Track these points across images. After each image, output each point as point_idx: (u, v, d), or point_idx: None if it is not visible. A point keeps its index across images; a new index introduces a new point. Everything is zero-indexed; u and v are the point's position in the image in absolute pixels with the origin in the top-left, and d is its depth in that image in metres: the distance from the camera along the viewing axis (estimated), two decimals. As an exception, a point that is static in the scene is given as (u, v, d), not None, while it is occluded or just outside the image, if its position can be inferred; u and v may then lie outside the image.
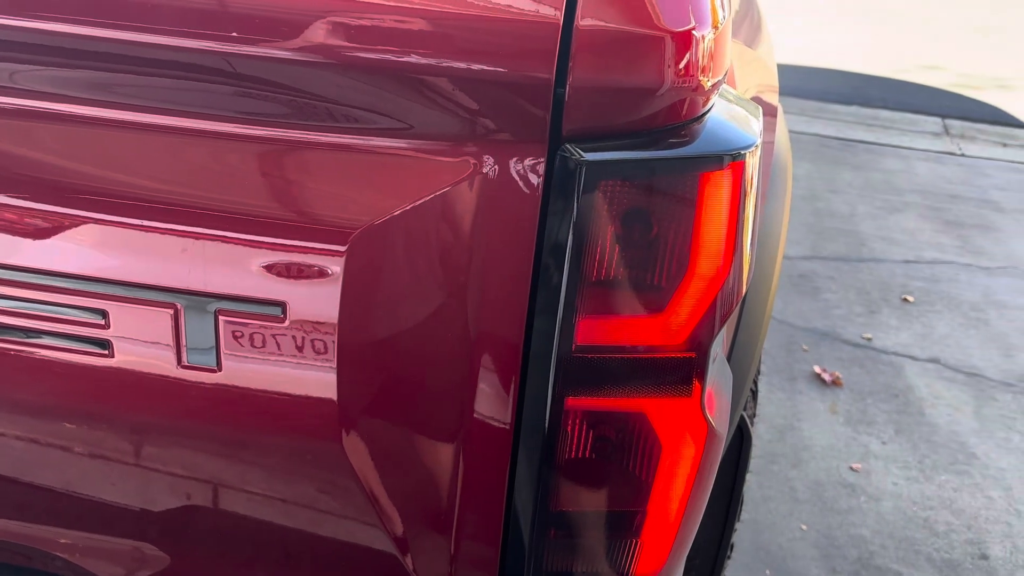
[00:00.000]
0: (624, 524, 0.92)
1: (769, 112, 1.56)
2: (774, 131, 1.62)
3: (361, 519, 0.93)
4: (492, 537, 0.93)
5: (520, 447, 0.88)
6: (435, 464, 0.90)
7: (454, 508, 0.92)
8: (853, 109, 6.71)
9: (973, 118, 6.77)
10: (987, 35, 9.68)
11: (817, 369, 3.38)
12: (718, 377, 0.92)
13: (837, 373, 3.37)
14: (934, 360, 3.53)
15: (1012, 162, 5.95)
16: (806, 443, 3.00)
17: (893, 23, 9.91)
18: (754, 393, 1.94)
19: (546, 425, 0.86)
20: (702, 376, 0.85)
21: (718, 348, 0.89)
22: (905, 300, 3.98)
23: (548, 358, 0.83)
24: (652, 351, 0.83)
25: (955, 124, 6.59)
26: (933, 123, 6.57)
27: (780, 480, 2.83)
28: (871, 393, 3.29)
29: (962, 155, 5.99)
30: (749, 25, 1.53)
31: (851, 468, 2.89)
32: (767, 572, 2.46)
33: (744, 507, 2.69)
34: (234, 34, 0.77)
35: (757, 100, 1.36)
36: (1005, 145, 6.25)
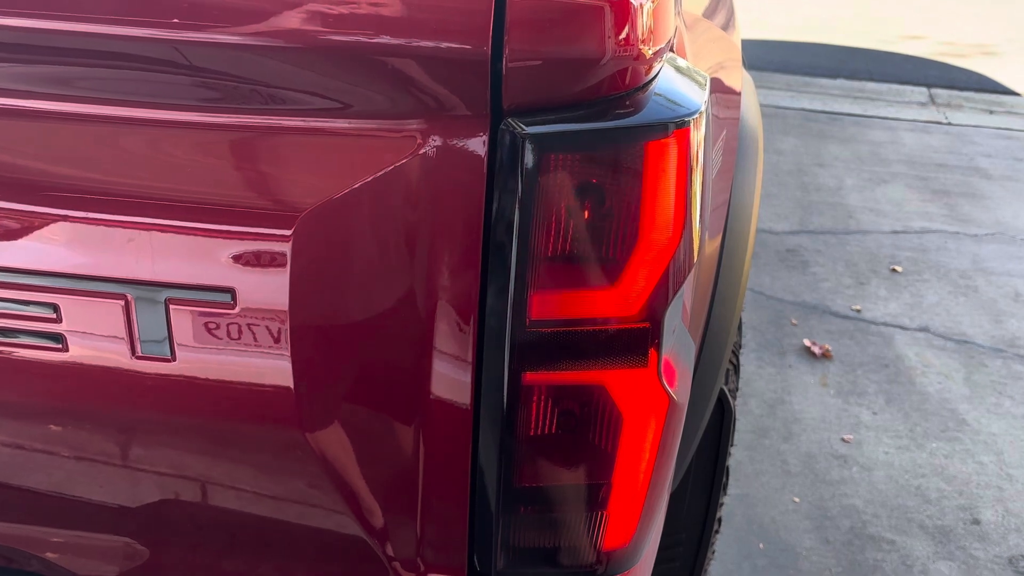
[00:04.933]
0: (590, 497, 0.92)
1: (731, 87, 1.56)
2: (739, 107, 1.61)
3: (327, 504, 0.93)
4: (459, 516, 0.94)
5: (481, 424, 0.88)
6: (397, 446, 0.90)
7: (419, 489, 0.92)
8: (839, 82, 6.70)
9: (959, 86, 6.76)
10: (970, 2, 9.65)
11: (807, 342, 3.39)
12: (677, 347, 0.92)
13: (827, 346, 3.37)
14: (924, 329, 3.54)
15: (999, 128, 5.94)
16: (797, 416, 3.00)
17: (878, -5, 9.88)
18: (735, 367, 1.94)
19: (505, 401, 0.86)
20: (658, 346, 0.85)
21: (676, 318, 0.89)
22: (894, 270, 3.98)
23: (503, 334, 0.83)
24: (606, 323, 0.83)
25: (941, 93, 6.58)
26: (919, 93, 6.56)
27: (771, 454, 2.84)
28: (861, 364, 3.30)
29: (949, 124, 5.98)
30: (707, 1, 1.52)
31: (842, 439, 2.90)
32: (760, 545, 2.47)
33: (736, 482, 2.70)
34: (172, 20, 0.77)
35: (717, 74, 1.36)
36: (991, 112, 6.24)
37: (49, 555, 1.01)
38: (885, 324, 3.57)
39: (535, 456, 0.90)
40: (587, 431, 0.88)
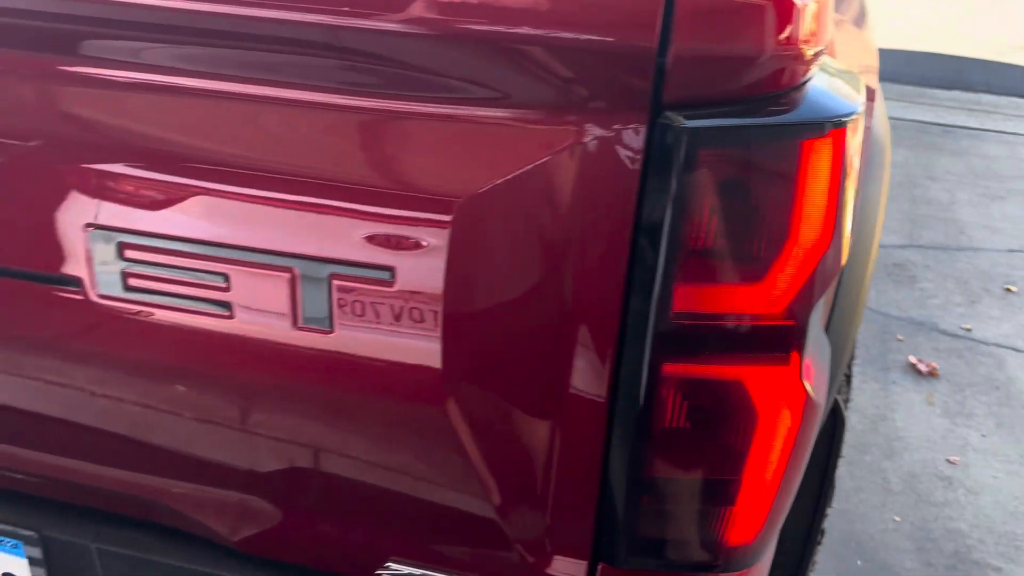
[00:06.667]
0: (719, 493, 0.93)
1: (868, 94, 1.54)
2: (872, 115, 1.59)
3: (462, 483, 0.96)
4: (587, 503, 0.95)
5: (616, 414, 0.90)
6: (533, 431, 0.93)
7: (551, 474, 0.94)
8: (954, 94, 6.47)
9: (1083, 102, 6.45)
10: (1100, 15, 9.18)
11: (912, 359, 3.29)
12: (816, 348, 0.91)
13: (934, 364, 3.27)
14: (1039, 352, 3.40)
15: (1125, 147, 5.65)
16: (900, 434, 2.92)
17: (993, 1, 9.49)
18: (848, 378, 1.91)
19: (642, 392, 0.87)
20: (801, 345, 0.85)
21: (817, 319, 0.89)
22: (1008, 290, 3.83)
23: (646, 325, 0.84)
24: (751, 319, 0.83)
25: (1064, 109, 6.30)
26: (1039, 108, 6.30)
27: (873, 470, 2.77)
28: (970, 385, 3.19)
29: (1071, 140, 5.72)
30: (851, 4, 1.51)
31: (948, 461, 2.81)
32: (858, 562, 2.42)
33: (835, 496, 2.65)
34: (344, 8, 0.81)
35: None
36: (1118, 129, 5.94)
37: (195, 512, 1.07)
38: (997, 345, 3.44)
39: (667, 448, 0.91)
40: (722, 426, 0.89)
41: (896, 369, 3.26)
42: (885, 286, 3.83)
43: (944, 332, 3.52)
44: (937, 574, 2.39)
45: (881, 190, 1.67)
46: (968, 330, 3.53)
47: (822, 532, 1.88)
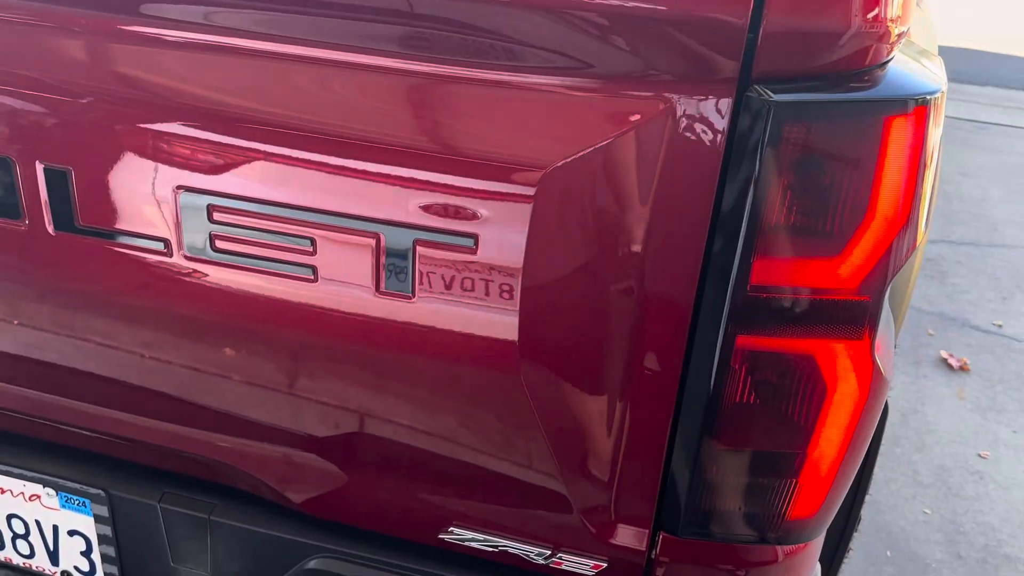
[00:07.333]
0: (785, 467, 0.94)
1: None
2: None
3: (530, 452, 0.98)
4: (652, 474, 0.97)
5: (687, 385, 0.91)
6: (604, 402, 0.94)
7: (619, 445, 0.96)
8: (988, 90, 6.42)
9: (1119, 101, 6.39)
10: None
11: (944, 354, 3.28)
12: (886, 326, 0.92)
13: (965, 359, 3.26)
14: (1071, 350, 3.38)
15: None
16: (931, 428, 2.92)
17: (1032, 1, 9.38)
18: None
19: (716, 364, 0.88)
20: (874, 321, 0.86)
21: (891, 296, 0.90)
22: (1041, 288, 3.81)
23: (723, 297, 0.85)
24: (827, 293, 0.85)
25: (1099, 107, 6.24)
26: (1075, 106, 6.24)
27: (903, 463, 2.77)
28: (1002, 380, 3.18)
29: (1106, 140, 5.67)
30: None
31: (979, 455, 2.81)
32: (888, 553, 2.43)
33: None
34: None
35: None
36: None
37: (267, 478, 1.09)
38: (1029, 342, 3.43)
39: (736, 420, 0.92)
40: (793, 400, 0.90)
41: (927, 363, 3.26)
42: (917, 280, 3.82)
43: (976, 328, 3.51)
44: (967, 567, 2.40)
45: (933, 180, 1.67)
46: (999, 326, 3.52)
47: (859, 518, 1.89)
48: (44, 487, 1.21)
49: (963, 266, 3.97)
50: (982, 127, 5.73)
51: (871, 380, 0.90)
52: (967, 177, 4.92)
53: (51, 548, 1.25)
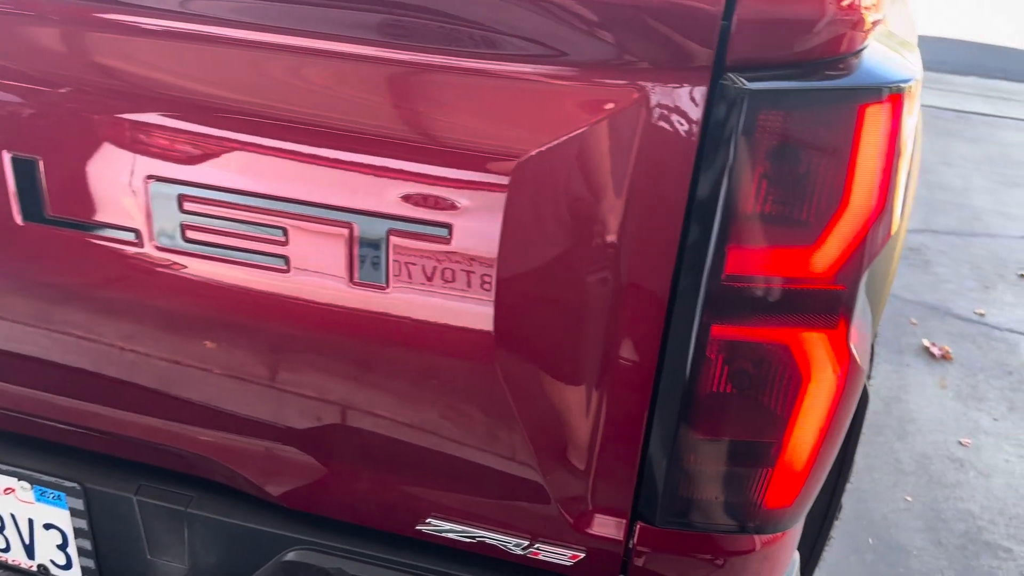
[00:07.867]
0: (761, 457, 0.94)
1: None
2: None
3: (506, 442, 0.97)
4: (630, 464, 0.97)
5: (663, 375, 0.91)
6: (580, 392, 0.94)
7: (596, 435, 0.96)
8: (970, 80, 6.45)
9: (1101, 90, 6.43)
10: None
11: (926, 343, 3.30)
12: (862, 315, 0.92)
13: (947, 347, 3.28)
14: (1052, 338, 3.41)
15: None
16: (913, 416, 2.94)
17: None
18: (870, 355, 1.92)
19: (691, 354, 0.88)
20: (849, 310, 0.86)
21: (863, 286, 0.90)
22: (1022, 276, 3.83)
23: (697, 286, 0.85)
24: (802, 282, 0.84)
25: (1081, 97, 6.28)
26: (1057, 95, 6.27)
27: (885, 451, 2.79)
28: (983, 369, 3.20)
29: (1088, 129, 5.71)
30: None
31: (960, 443, 2.83)
32: (869, 540, 2.44)
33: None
34: None
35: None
36: None
37: (244, 470, 1.09)
38: (1010, 331, 3.45)
39: (712, 410, 0.92)
40: (768, 389, 0.90)
41: (909, 352, 3.28)
42: (899, 270, 3.84)
43: (957, 316, 3.53)
44: (947, 554, 2.42)
45: (913, 170, 1.67)
46: (981, 315, 3.55)
47: (840, 507, 1.90)
48: (19, 480, 1.20)
49: (946, 255, 3.99)
50: (964, 116, 5.75)
51: (847, 369, 0.90)
52: (950, 167, 4.94)
53: (27, 542, 1.24)
